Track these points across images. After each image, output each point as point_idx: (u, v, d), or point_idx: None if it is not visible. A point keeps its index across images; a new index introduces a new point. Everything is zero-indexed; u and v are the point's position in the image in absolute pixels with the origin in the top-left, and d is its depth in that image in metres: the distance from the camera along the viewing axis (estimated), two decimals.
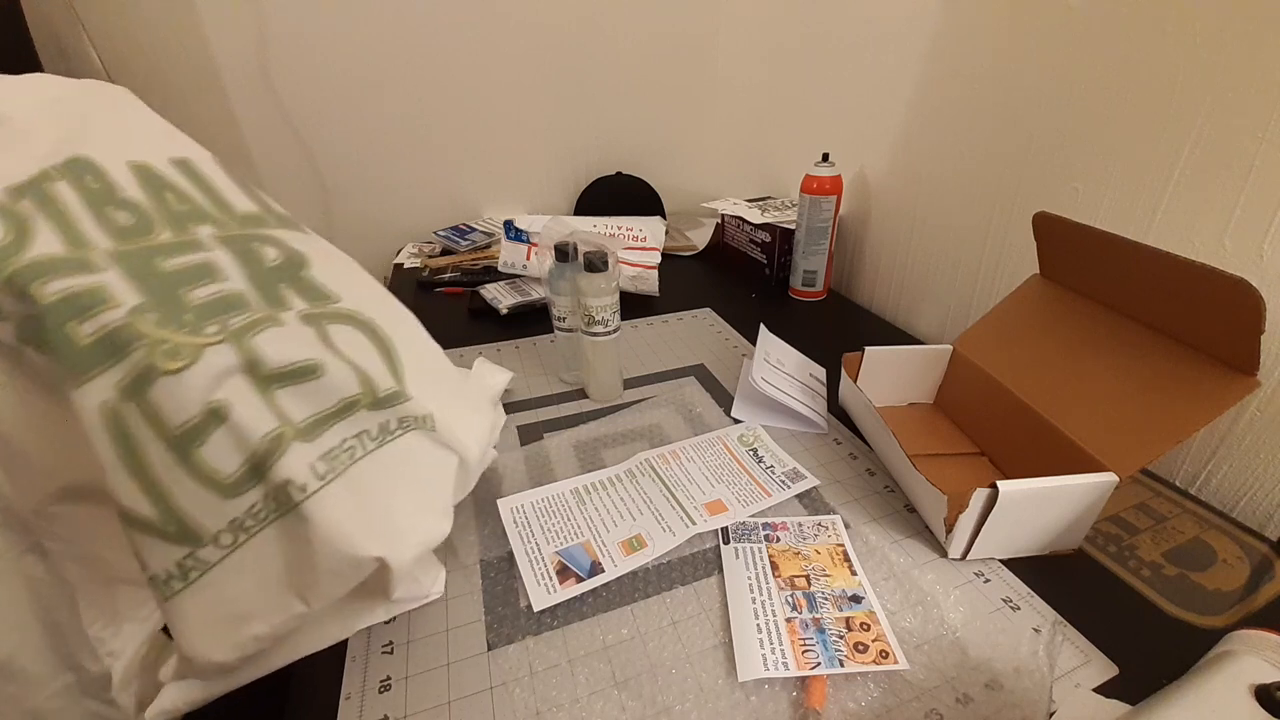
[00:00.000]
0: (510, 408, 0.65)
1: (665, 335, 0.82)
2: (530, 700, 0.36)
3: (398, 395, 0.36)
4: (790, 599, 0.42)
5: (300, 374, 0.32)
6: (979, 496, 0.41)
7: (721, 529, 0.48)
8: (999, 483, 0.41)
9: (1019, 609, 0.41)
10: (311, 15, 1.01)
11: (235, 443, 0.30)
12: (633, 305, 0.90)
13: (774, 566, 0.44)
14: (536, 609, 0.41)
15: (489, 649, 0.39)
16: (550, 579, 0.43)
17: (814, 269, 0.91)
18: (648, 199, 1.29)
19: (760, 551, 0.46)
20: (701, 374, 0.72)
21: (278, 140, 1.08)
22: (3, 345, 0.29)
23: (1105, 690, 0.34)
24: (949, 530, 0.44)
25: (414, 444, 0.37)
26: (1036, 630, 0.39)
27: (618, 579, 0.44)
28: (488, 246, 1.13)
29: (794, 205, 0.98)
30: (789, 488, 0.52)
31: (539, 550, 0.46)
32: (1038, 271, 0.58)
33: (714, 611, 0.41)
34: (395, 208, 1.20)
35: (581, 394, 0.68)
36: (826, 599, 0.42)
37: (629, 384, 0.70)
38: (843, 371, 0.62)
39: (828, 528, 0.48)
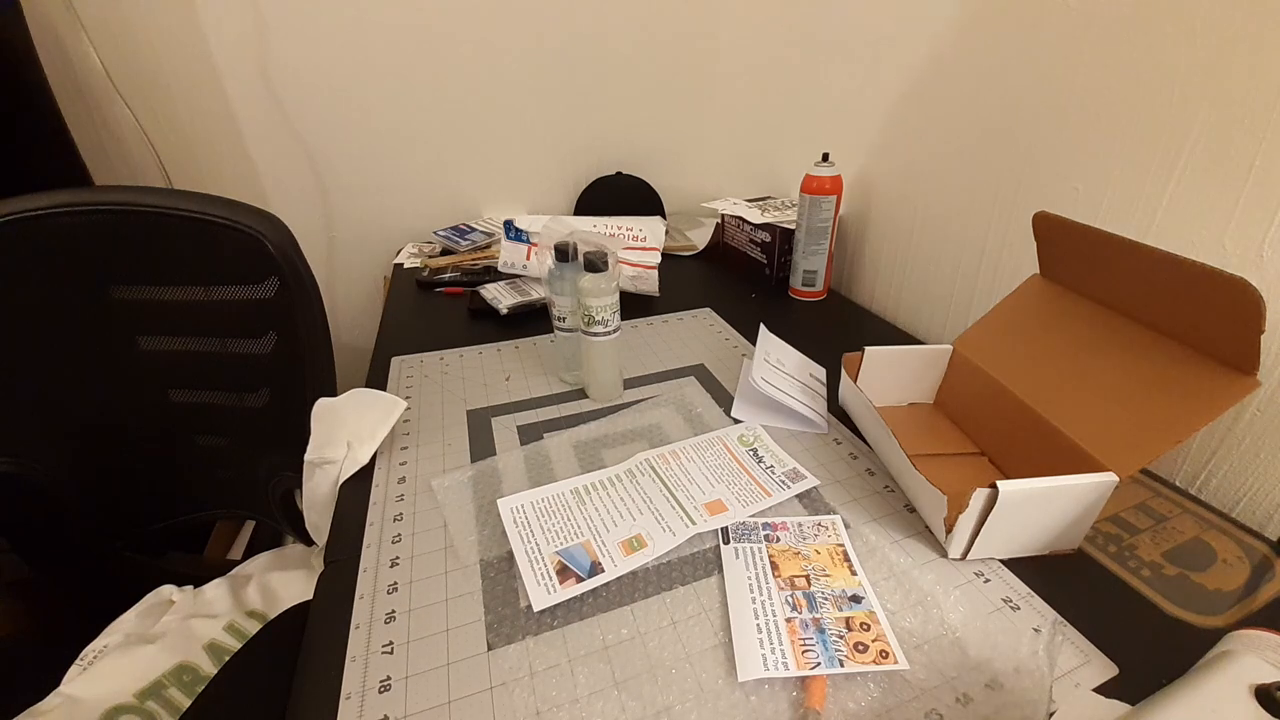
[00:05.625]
0: (510, 408, 0.66)
1: (665, 335, 0.82)
2: (530, 700, 0.36)
3: None
4: (790, 599, 0.42)
5: None
6: (979, 496, 0.41)
7: (721, 529, 0.48)
8: (999, 483, 0.41)
9: (1019, 609, 0.41)
10: (311, 15, 1.01)
11: None
12: (633, 305, 0.90)
13: (774, 566, 0.44)
14: (536, 609, 0.41)
15: (489, 649, 0.39)
16: (550, 579, 0.43)
17: (814, 269, 0.91)
18: (648, 199, 1.29)
19: (760, 551, 0.46)
20: (701, 374, 0.72)
21: (278, 140, 1.08)
22: None
23: (1105, 690, 0.34)
24: (949, 530, 0.44)
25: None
26: (1036, 630, 0.39)
27: (618, 579, 0.44)
28: (488, 246, 1.13)
29: (794, 205, 0.98)
30: (789, 488, 0.52)
31: (539, 550, 0.46)
32: (1038, 271, 0.58)
33: (714, 611, 0.41)
34: (395, 208, 1.20)
35: (581, 394, 0.68)
36: (826, 599, 0.42)
37: (629, 384, 0.70)
38: (843, 371, 0.62)
39: (828, 528, 0.48)
